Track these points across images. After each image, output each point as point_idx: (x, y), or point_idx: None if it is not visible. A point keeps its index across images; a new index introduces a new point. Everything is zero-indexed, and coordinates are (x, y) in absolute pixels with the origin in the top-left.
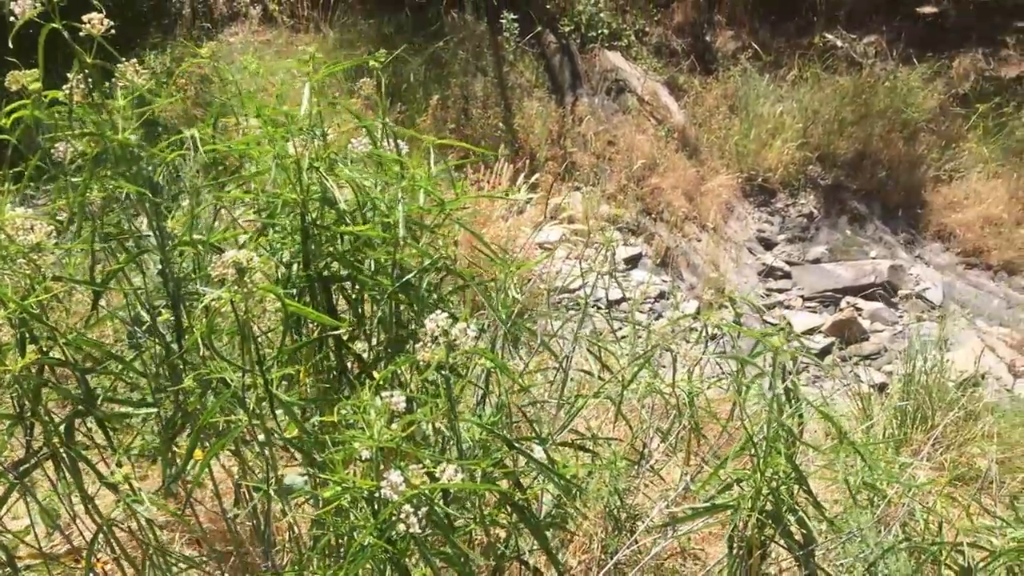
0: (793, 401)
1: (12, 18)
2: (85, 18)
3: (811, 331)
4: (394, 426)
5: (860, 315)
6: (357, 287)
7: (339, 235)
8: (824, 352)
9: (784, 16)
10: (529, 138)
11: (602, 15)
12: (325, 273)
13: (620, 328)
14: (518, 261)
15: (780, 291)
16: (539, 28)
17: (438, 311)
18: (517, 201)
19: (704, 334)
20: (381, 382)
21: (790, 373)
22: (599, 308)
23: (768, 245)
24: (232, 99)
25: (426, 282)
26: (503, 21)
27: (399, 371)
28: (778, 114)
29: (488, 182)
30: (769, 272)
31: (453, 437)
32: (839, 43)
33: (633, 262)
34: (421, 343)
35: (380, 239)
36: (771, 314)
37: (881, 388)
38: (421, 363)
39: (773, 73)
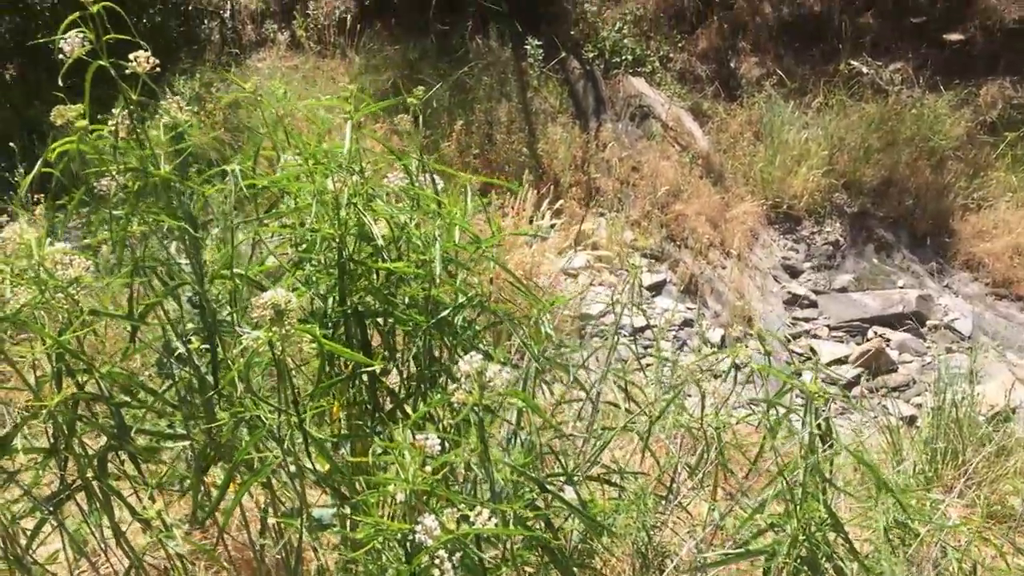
0: (826, 441)
1: (61, 55)
2: (132, 56)
3: (838, 361)
4: (427, 468)
5: (888, 346)
6: (391, 321)
7: (375, 270)
8: (851, 383)
9: (809, 43)
10: (553, 163)
11: (626, 41)
12: (360, 308)
13: (645, 356)
14: (551, 297)
15: (806, 320)
16: (563, 54)
17: (473, 353)
18: (541, 227)
19: (732, 370)
20: (415, 422)
21: (822, 412)
22: (624, 335)
23: (794, 273)
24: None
25: (461, 319)
26: (527, 47)
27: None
28: (803, 141)
29: (512, 207)
30: (795, 300)
31: (486, 479)
32: (865, 70)
33: (657, 289)
34: (456, 385)
35: (415, 275)
36: (797, 343)
37: (911, 421)
38: (455, 404)
39: (798, 100)
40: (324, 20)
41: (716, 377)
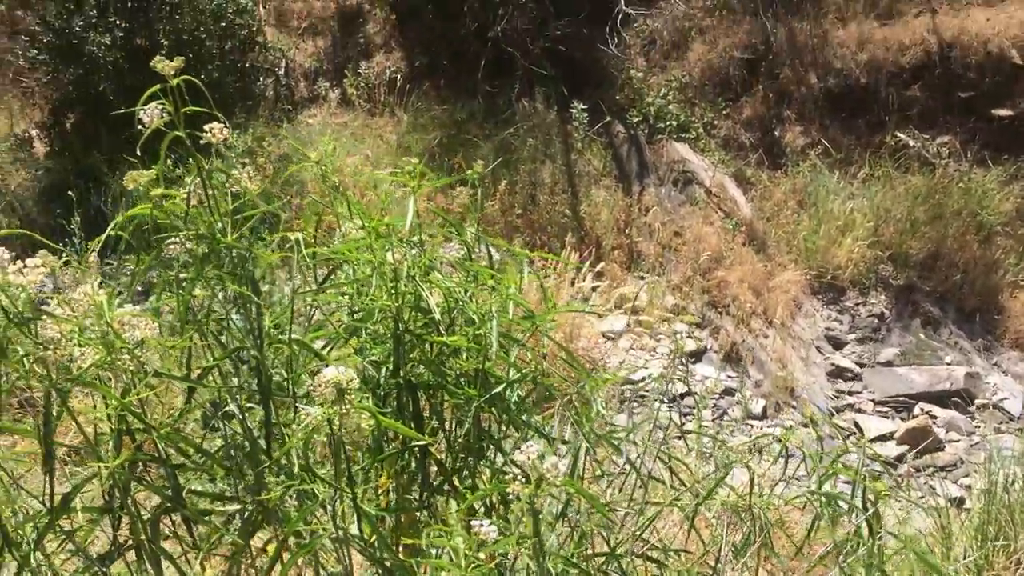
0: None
1: (140, 126)
2: (207, 127)
3: (883, 437)
4: (481, 555)
5: (935, 423)
6: (441, 393)
7: (430, 343)
8: (896, 461)
9: (855, 114)
10: (595, 226)
11: (671, 107)
12: (412, 379)
13: (685, 423)
14: (594, 366)
15: (850, 393)
16: (608, 118)
17: (530, 443)
18: (582, 289)
19: (783, 453)
20: (466, 504)
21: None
22: (663, 401)
23: (837, 344)
24: (324, 193)
25: (515, 396)
26: (573, 110)
27: (479, 481)
28: (848, 211)
29: (555, 269)
30: (838, 373)
31: (537, 571)
32: (911, 142)
33: (698, 356)
34: (511, 475)
35: (470, 349)
36: (841, 417)
37: (959, 503)
38: (511, 494)
39: (843, 170)
40: (374, 79)
41: (760, 452)
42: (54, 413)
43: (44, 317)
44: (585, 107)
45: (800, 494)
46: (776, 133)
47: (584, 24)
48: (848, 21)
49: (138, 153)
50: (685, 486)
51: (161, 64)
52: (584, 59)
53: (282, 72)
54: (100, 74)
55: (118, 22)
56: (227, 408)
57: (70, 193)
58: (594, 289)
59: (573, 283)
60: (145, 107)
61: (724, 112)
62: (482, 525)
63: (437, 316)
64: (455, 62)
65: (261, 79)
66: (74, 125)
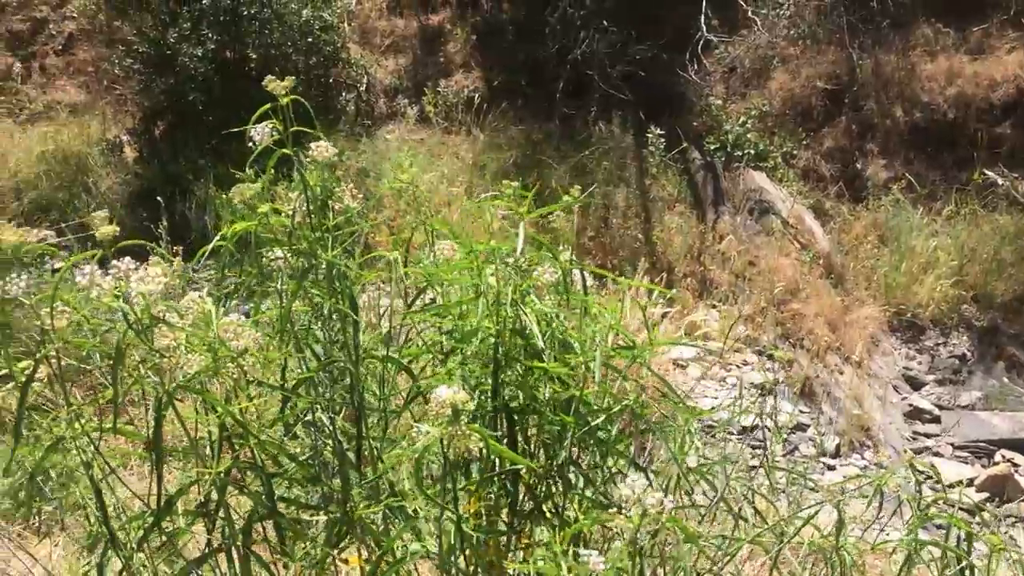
0: None
1: (251, 143)
2: (314, 145)
3: (961, 483)
4: None
5: (1017, 472)
6: (534, 419)
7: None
8: (976, 509)
9: (941, 149)
10: (667, 252)
11: (750, 135)
12: (509, 404)
13: (754, 457)
14: (698, 408)
15: (927, 436)
16: (685, 144)
17: (636, 477)
18: (652, 315)
19: (878, 495)
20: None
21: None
22: (731, 434)
23: (915, 385)
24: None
25: (614, 430)
26: (649, 135)
27: (569, 509)
28: (931, 249)
29: (628, 292)
30: (916, 414)
31: None
32: (1000, 181)
33: (769, 389)
34: (615, 508)
35: (569, 377)
36: (918, 460)
37: None
38: (615, 528)
39: (927, 206)
40: (453, 98)
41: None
42: (163, 418)
43: (161, 325)
44: (662, 132)
45: (893, 540)
46: (858, 166)
47: (664, 49)
48: (937, 55)
49: (247, 169)
50: (766, 523)
51: (273, 84)
52: (663, 84)
53: (363, 88)
54: (190, 85)
55: (210, 35)
56: (317, 419)
57: (158, 199)
58: (664, 315)
59: (644, 309)
60: (256, 126)
61: (804, 142)
62: (590, 555)
63: (540, 344)
64: (533, 83)
65: (343, 94)
66: (162, 133)
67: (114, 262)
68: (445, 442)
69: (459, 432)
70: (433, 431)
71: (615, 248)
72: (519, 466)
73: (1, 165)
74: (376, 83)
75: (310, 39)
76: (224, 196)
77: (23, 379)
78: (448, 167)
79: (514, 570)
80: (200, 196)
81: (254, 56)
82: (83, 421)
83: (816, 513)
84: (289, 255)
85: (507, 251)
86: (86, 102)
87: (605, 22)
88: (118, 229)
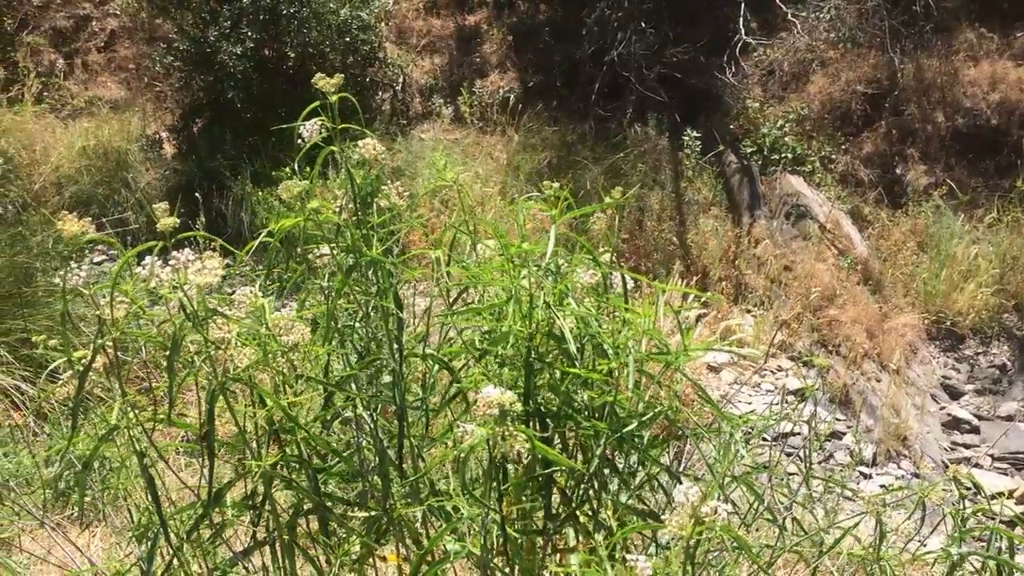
0: None
1: (299, 140)
2: (361, 143)
3: (1002, 495)
4: None
5: None
6: (567, 423)
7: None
8: (1015, 521)
9: (983, 155)
10: (702, 255)
11: (787, 139)
12: (542, 407)
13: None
14: (745, 416)
15: (966, 446)
16: (721, 147)
17: (689, 483)
18: (687, 320)
19: (920, 506)
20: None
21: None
22: (765, 440)
23: (954, 394)
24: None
25: (647, 436)
26: (685, 138)
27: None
28: (972, 256)
29: (651, 300)
30: (955, 424)
31: None
32: None
33: (803, 395)
34: (667, 515)
35: (603, 381)
36: (956, 471)
37: None
38: (669, 536)
39: (968, 213)
40: (488, 98)
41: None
42: (216, 411)
43: (216, 317)
44: (698, 135)
45: (934, 551)
46: (898, 171)
47: (702, 51)
48: (980, 60)
49: (295, 167)
50: (804, 532)
51: (323, 82)
52: (700, 87)
53: (399, 87)
54: (229, 82)
55: (250, 33)
56: (358, 415)
57: (196, 195)
58: (699, 319)
59: (678, 312)
60: (305, 123)
61: (843, 147)
62: (637, 560)
63: (572, 348)
64: (569, 84)
65: (379, 94)
66: (201, 129)
67: (174, 254)
68: (491, 442)
69: (506, 433)
70: (480, 431)
71: (649, 251)
72: (554, 469)
73: (44, 159)
74: (412, 83)
75: (347, 38)
76: (261, 193)
77: (81, 369)
78: (482, 167)
79: (552, 572)
80: (237, 192)
81: (292, 55)
82: (137, 411)
83: (858, 523)
84: (335, 252)
85: (540, 253)
86: (127, 98)
87: (643, 23)
88: (178, 221)
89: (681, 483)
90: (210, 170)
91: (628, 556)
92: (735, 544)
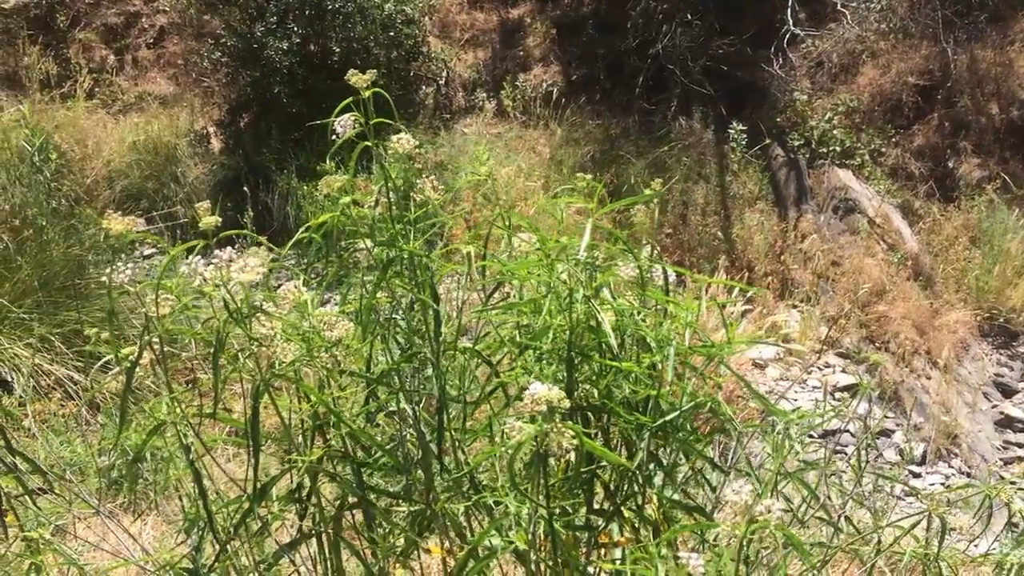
0: None
1: (333, 136)
2: (394, 138)
3: None
4: None
5: None
6: (607, 417)
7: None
8: None
9: None
10: (747, 250)
11: (836, 132)
12: (583, 402)
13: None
14: (797, 411)
15: (1020, 445)
16: (767, 141)
17: (743, 482)
18: (732, 315)
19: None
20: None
21: None
22: (812, 437)
23: (1007, 392)
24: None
25: (690, 427)
26: (731, 131)
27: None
28: None
29: (705, 291)
30: (1008, 423)
31: None
32: None
33: (851, 392)
34: (717, 513)
35: (645, 375)
36: (1008, 470)
37: None
38: (721, 534)
39: (1023, 207)
40: (531, 92)
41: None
42: (260, 407)
43: (259, 314)
44: (744, 128)
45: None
46: (950, 164)
47: (748, 43)
48: None
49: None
50: (857, 531)
51: (355, 77)
52: (746, 79)
53: (442, 82)
54: (275, 77)
55: (295, 28)
56: (400, 409)
57: (244, 189)
58: (744, 314)
59: (723, 308)
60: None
61: (893, 140)
62: (690, 557)
63: (612, 341)
64: (612, 77)
65: (423, 88)
66: (247, 124)
67: (216, 252)
68: (539, 439)
69: (554, 429)
70: (529, 428)
71: (693, 246)
72: (598, 465)
73: (96, 154)
74: (455, 77)
75: (391, 33)
76: (306, 187)
77: (128, 364)
78: (525, 161)
79: (597, 568)
80: (282, 187)
81: (337, 50)
82: (183, 406)
83: (919, 522)
84: (373, 246)
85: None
86: (175, 94)
87: (688, 15)
88: (220, 220)
89: (729, 478)
90: (256, 165)
91: (682, 554)
92: (788, 543)
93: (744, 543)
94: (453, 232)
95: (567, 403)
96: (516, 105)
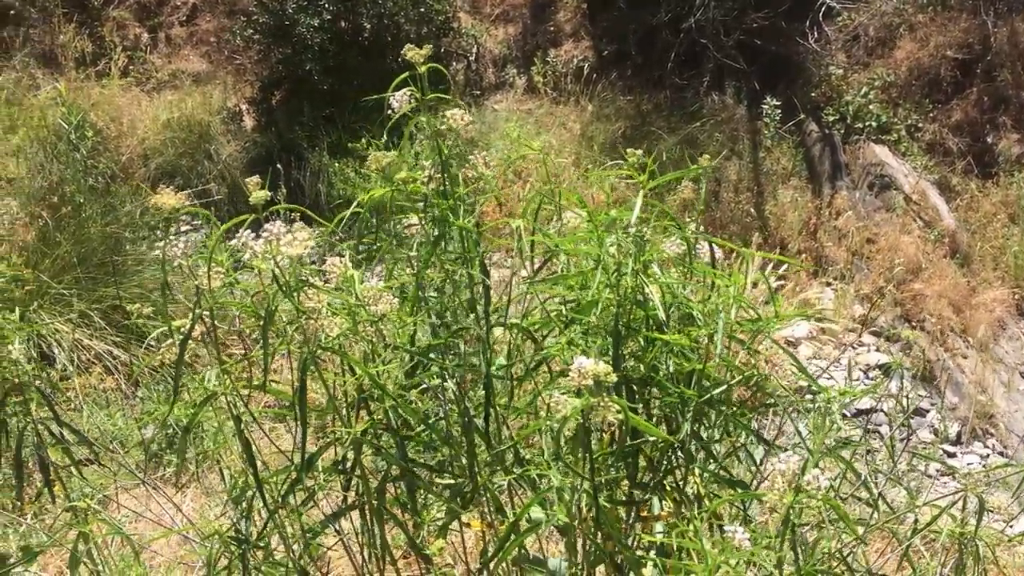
0: None
1: (389, 111)
2: (448, 113)
3: None
4: (732, 561)
5: None
6: (652, 391)
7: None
8: None
9: None
10: (780, 227)
11: (872, 107)
12: (629, 375)
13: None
14: (841, 388)
15: None
16: (802, 116)
17: (790, 453)
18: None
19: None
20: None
21: None
22: (845, 415)
23: None
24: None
25: (735, 400)
26: (765, 106)
27: (691, 482)
28: None
29: (737, 267)
30: None
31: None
32: None
33: (885, 370)
34: (769, 483)
35: (691, 348)
36: None
37: None
38: (766, 502)
39: None
40: (562, 68)
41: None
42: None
43: (307, 288)
44: (778, 103)
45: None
46: (989, 140)
47: (783, 17)
48: None
49: (384, 136)
50: (892, 510)
51: (412, 52)
52: (780, 53)
53: (473, 58)
54: (307, 55)
55: (327, 5)
56: (443, 385)
57: (278, 166)
58: (776, 291)
59: (755, 284)
60: (395, 93)
61: (931, 114)
62: (736, 531)
63: (662, 314)
64: (644, 53)
65: (453, 64)
66: (279, 102)
67: (266, 226)
68: (585, 412)
69: (602, 403)
70: (576, 402)
71: (725, 223)
72: (643, 440)
73: (130, 132)
74: (485, 53)
75: (422, 9)
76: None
77: (180, 337)
78: (556, 138)
79: (637, 542)
80: (314, 164)
81: (367, 26)
82: (233, 378)
83: (956, 502)
84: (423, 222)
85: (627, 221)
86: (208, 71)
87: None
88: (269, 194)
89: (771, 452)
90: (288, 142)
91: (727, 527)
92: (831, 516)
93: (790, 513)
94: (483, 209)
95: (614, 377)
96: (547, 81)
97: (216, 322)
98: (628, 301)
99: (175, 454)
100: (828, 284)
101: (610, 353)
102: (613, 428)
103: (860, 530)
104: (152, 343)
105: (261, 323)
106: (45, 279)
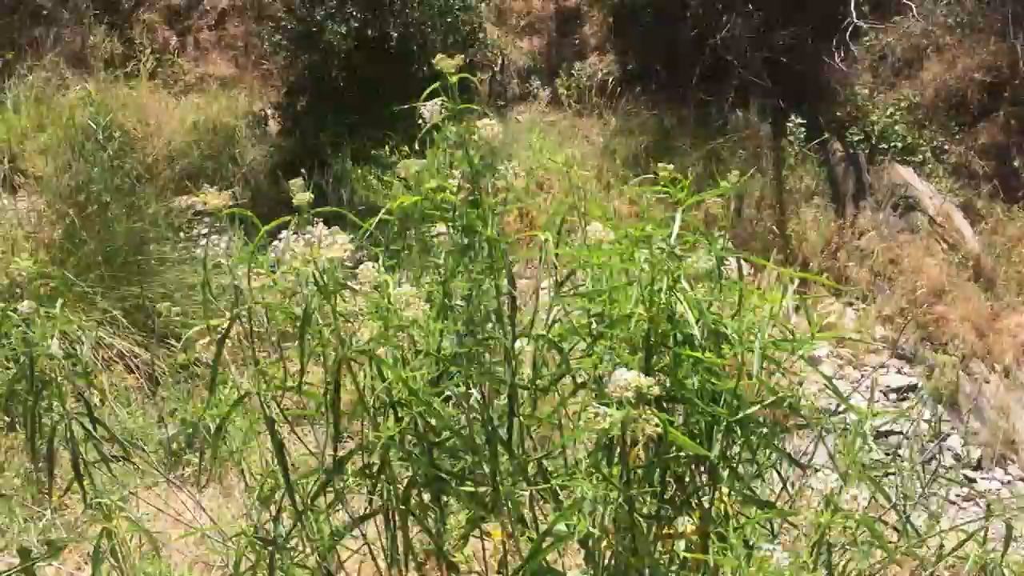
0: None
1: (420, 120)
2: (480, 123)
3: None
4: None
5: None
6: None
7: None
8: None
9: None
10: (802, 246)
11: (897, 128)
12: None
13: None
14: (875, 409)
15: None
16: (826, 135)
17: (828, 472)
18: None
19: None
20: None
21: None
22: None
23: None
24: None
25: (774, 425)
26: (789, 124)
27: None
28: None
29: (758, 285)
30: None
31: None
32: None
33: (905, 393)
34: (805, 503)
35: (723, 367)
36: None
37: None
38: (804, 522)
39: None
40: (586, 81)
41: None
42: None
43: (344, 291)
44: (802, 122)
45: None
46: (1015, 163)
47: (809, 35)
48: None
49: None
50: (918, 534)
51: (444, 62)
52: (806, 72)
53: (498, 69)
54: (333, 62)
55: (355, 13)
56: (467, 394)
57: (302, 171)
58: (796, 310)
59: (804, 300)
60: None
61: (957, 137)
62: (773, 550)
63: (695, 332)
64: (669, 68)
65: (478, 74)
66: (304, 108)
67: (308, 228)
68: (624, 426)
69: (642, 416)
70: (617, 414)
71: (746, 240)
72: (675, 455)
73: (157, 133)
74: (510, 64)
75: (448, 18)
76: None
77: (218, 336)
78: (578, 150)
79: (665, 558)
80: (337, 170)
81: (394, 35)
82: (268, 379)
83: (984, 528)
84: (451, 230)
85: (662, 236)
86: (235, 76)
87: (748, 5)
88: (312, 197)
89: (805, 473)
90: (312, 148)
91: (764, 545)
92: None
93: (826, 532)
94: (505, 220)
95: (656, 390)
96: (571, 94)
97: (253, 323)
98: (660, 317)
99: (197, 453)
100: (850, 304)
101: (642, 367)
102: (639, 443)
103: (889, 551)
104: (175, 343)
105: (296, 324)
106: (70, 276)
